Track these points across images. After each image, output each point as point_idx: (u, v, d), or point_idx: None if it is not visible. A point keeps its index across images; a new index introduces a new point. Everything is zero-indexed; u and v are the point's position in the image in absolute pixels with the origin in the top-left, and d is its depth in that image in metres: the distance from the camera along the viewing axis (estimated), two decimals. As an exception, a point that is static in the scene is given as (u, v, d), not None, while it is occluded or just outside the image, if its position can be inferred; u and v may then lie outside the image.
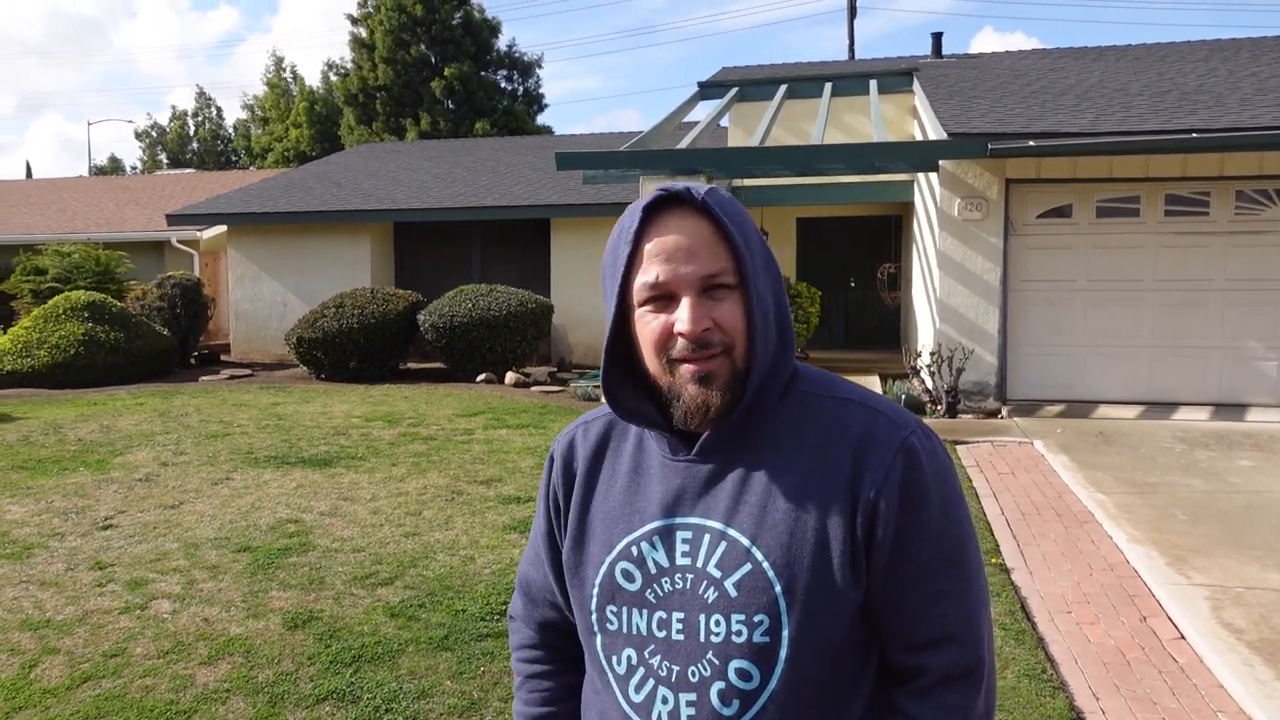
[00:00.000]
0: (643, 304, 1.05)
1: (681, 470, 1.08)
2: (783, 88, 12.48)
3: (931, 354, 8.79)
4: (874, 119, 10.00)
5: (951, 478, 1.08)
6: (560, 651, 1.25)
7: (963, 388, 8.75)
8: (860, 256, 15.03)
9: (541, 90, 31.94)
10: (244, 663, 3.39)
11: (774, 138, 12.16)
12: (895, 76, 12.52)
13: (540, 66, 31.81)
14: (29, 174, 39.03)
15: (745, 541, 1.03)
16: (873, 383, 10.62)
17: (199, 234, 16.52)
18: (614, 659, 1.08)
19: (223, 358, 14.17)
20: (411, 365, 12.26)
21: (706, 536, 1.04)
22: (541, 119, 31.80)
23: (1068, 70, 11.61)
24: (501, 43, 30.64)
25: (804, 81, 12.89)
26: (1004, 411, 8.43)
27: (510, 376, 10.84)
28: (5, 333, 11.75)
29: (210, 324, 14.41)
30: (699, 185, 1.05)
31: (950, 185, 8.70)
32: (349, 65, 30.39)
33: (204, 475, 6.13)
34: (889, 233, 14.91)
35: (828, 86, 12.20)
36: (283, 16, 78.50)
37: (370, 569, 4.31)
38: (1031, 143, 7.93)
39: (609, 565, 1.09)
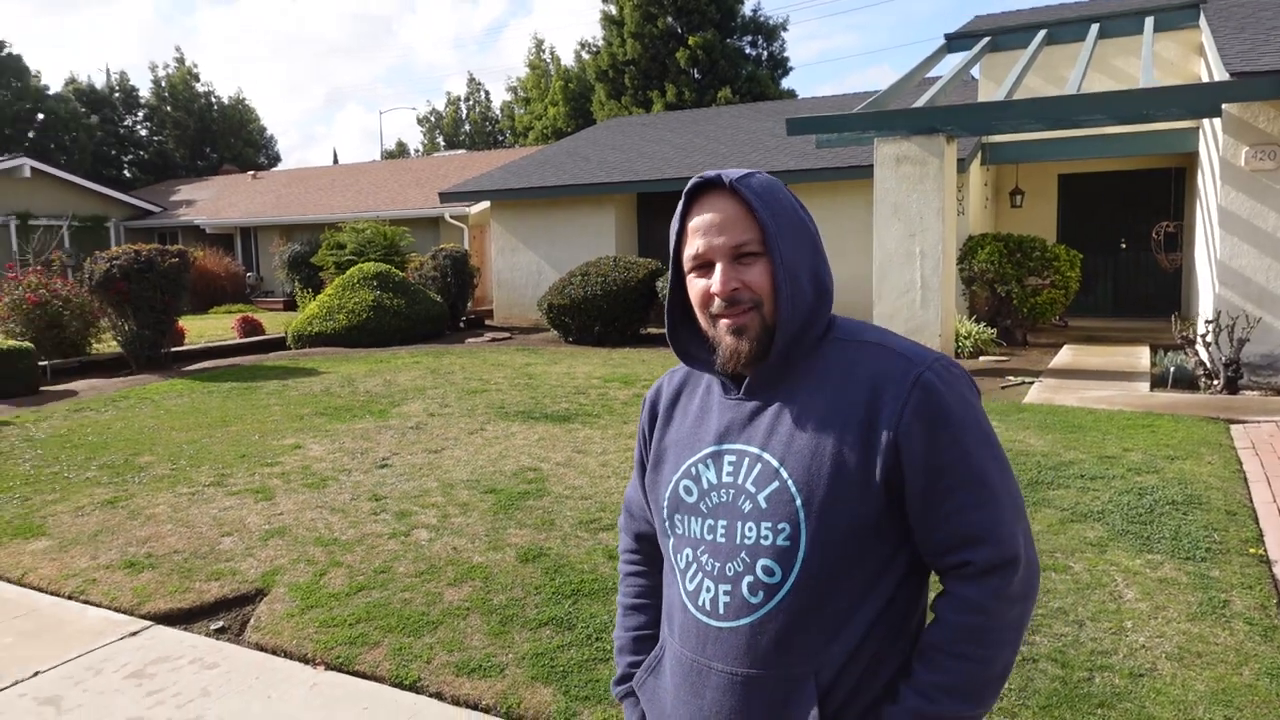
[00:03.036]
0: (690, 271, 1.30)
1: (732, 406, 1.31)
2: (1041, 33, 11.53)
3: (1208, 322, 7.89)
4: (1144, 61, 9.02)
5: (970, 405, 1.23)
6: (652, 557, 1.53)
7: (1246, 360, 7.79)
8: (1132, 215, 13.62)
9: (786, 54, 31.52)
10: (482, 587, 3.88)
11: (1029, 88, 11.31)
12: (1176, 11, 11.14)
13: (785, 30, 31.43)
14: (335, 160, 44.46)
15: (775, 463, 1.24)
16: (1140, 354, 9.69)
17: (468, 209, 18.15)
18: (678, 556, 1.32)
19: (486, 322, 15.57)
20: (652, 330, 12.80)
21: (746, 459, 1.27)
22: (786, 83, 31.43)
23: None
24: (746, 8, 30.53)
25: (1067, 25, 11.82)
26: (1296, 388, 7.41)
27: (743, 342, 11.01)
28: (314, 299, 13.68)
29: (477, 291, 15.84)
30: (734, 171, 1.27)
31: (1235, 131, 7.70)
32: (600, 43, 31.66)
33: (463, 425, 6.89)
34: (1167, 188, 13.37)
35: (1094, 28, 11.11)
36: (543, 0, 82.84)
37: (594, 515, 4.71)
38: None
39: (675, 481, 1.34)
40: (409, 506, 4.95)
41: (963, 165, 11.04)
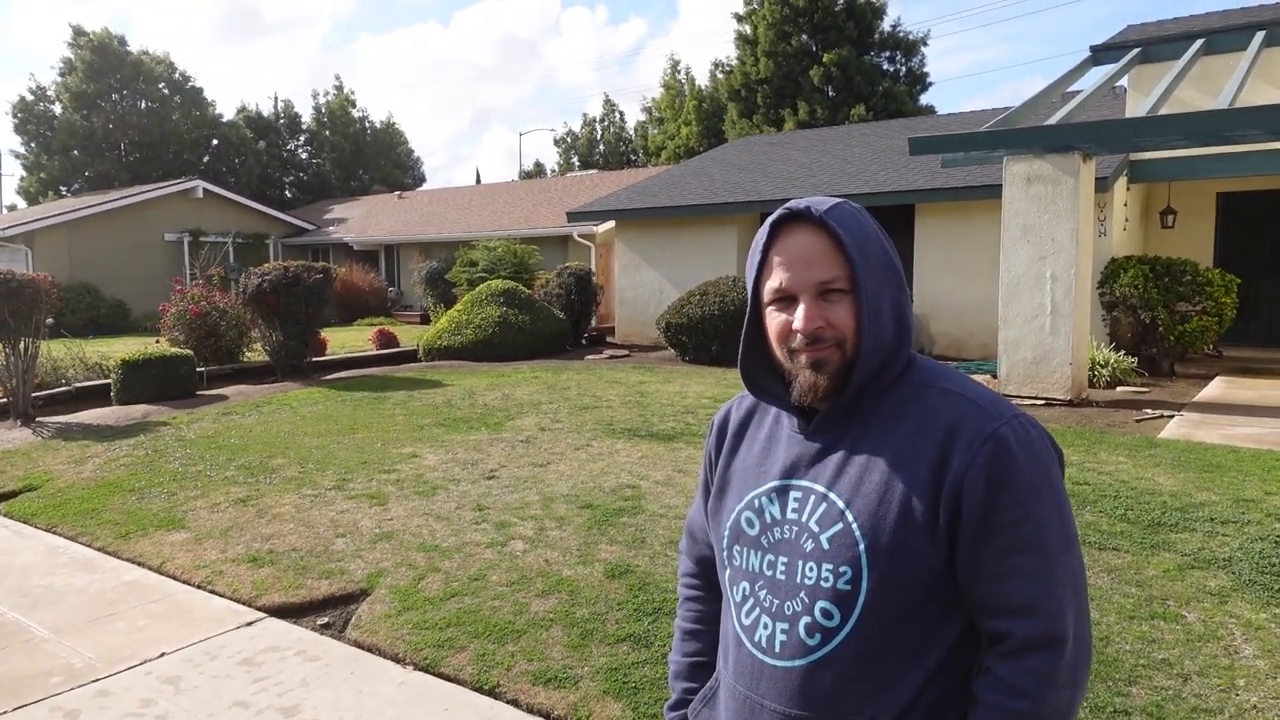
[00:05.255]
0: (770, 304, 1.27)
1: (801, 442, 1.29)
2: (1197, 42, 10.81)
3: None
4: (1312, 71, 8.30)
5: (1046, 466, 1.17)
6: (711, 582, 1.52)
7: None
8: (1302, 237, 12.50)
9: (925, 69, 30.71)
10: (568, 600, 3.97)
11: (1182, 101, 10.62)
12: (1356, 15, 10.19)
13: (925, 44, 30.60)
14: (478, 180, 46.34)
15: (841, 504, 1.21)
16: (1302, 388, 8.88)
17: (594, 228, 18.56)
18: (735, 589, 1.31)
19: (608, 339, 15.85)
20: (769, 351, 12.70)
21: (812, 497, 1.24)
22: (925, 99, 30.62)
23: None
24: (885, 24, 29.96)
25: (1229, 32, 11.03)
26: None
27: (862, 365, 10.76)
28: (445, 314, 14.32)
29: (600, 308, 16.16)
30: (821, 201, 1.24)
31: None
32: (733, 62, 31.78)
33: (570, 441, 7.06)
34: (1344, 207, 12.22)
35: (1258, 35, 10.34)
36: (681, 20, 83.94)
37: (686, 535, 4.73)
38: None
39: (737, 513, 1.33)
40: (509, 518, 5.12)
41: (1105, 184, 10.45)
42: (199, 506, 5.62)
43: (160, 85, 37.22)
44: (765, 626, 1.24)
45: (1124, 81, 12.11)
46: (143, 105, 36.95)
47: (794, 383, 1.25)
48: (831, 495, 1.22)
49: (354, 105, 43.96)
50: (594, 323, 16.05)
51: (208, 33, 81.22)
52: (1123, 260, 10.45)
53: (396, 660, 3.61)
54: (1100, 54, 11.91)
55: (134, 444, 7.45)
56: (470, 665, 3.46)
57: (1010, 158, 8.50)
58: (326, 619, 4.05)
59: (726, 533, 1.33)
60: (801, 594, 1.21)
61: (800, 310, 1.22)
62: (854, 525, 1.18)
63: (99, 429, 8.12)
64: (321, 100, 43.68)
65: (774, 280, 1.24)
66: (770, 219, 1.26)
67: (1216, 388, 9.22)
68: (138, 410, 8.94)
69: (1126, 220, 12.05)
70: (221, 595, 4.34)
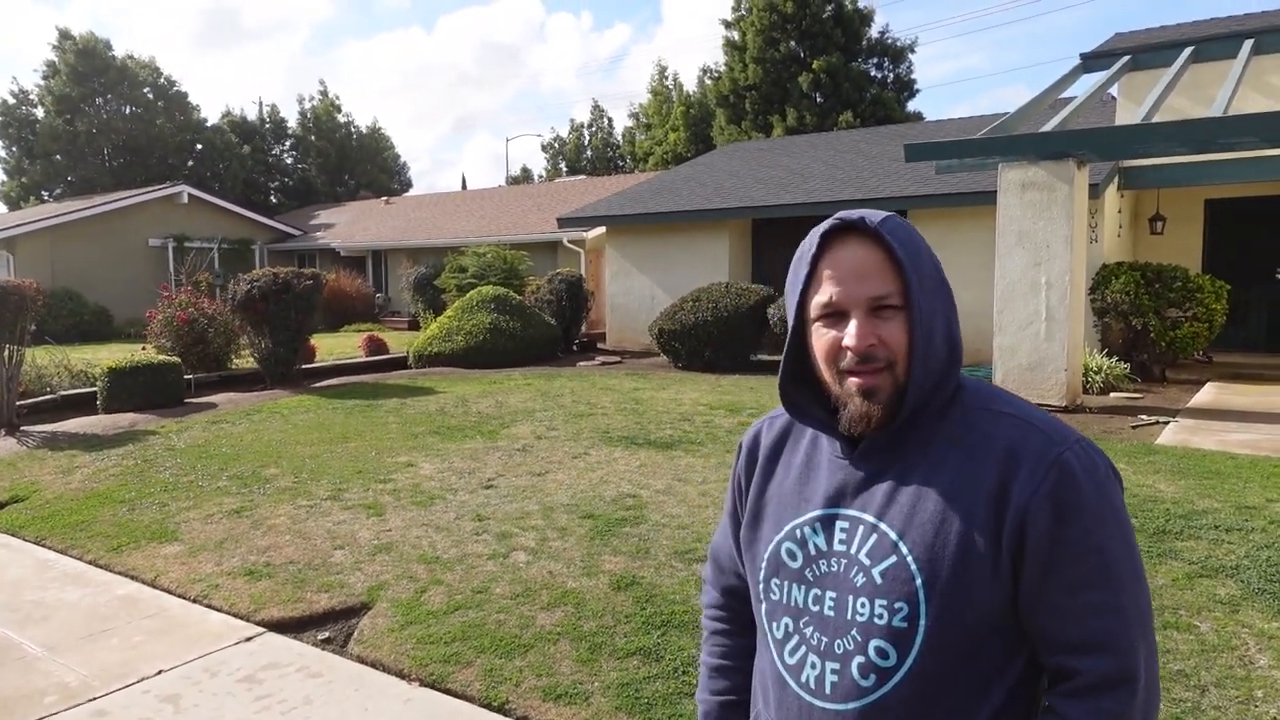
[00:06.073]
0: (817, 319, 1.19)
1: (846, 468, 1.21)
2: (1187, 50, 10.88)
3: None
4: (1303, 79, 8.36)
5: (1111, 494, 1.11)
6: (740, 615, 1.43)
7: None
8: (1290, 243, 12.61)
9: (913, 76, 30.89)
10: (575, 613, 3.91)
11: (1173, 109, 10.67)
12: (1343, 24, 10.29)
13: (913, 51, 30.77)
14: (464, 185, 46.22)
15: (894, 536, 1.14)
16: (1293, 394, 8.93)
17: (585, 234, 18.51)
18: (774, 624, 1.23)
19: (599, 345, 15.79)
20: (762, 357, 12.69)
21: (861, 528, 1.17)
22: (913, 105, 30.76)
23: None
24: (873, 31, 30.11)
25: (1217, 41, 11.11)
26: None
27: (856, 371, 10.76)
28: (435, 320, 14.23)
29: (591, 314, 16.11)
30: (874, 213, 1.17)
31: (1407, 154, 7.04)
32: (721, 68, 31.84)
33: (567, 449, 7.00)
34: (1330, 213, 12.32)
35: (1247, 44, 10.42)
36: (665, 27, 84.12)
37: (690, 545, 4.68)
38: None
39: (776, 543, 1.25)
40: (509, 528, 5.06)
41: (1096, 190, 10.49)
42: (192, 518, 5.52)
43: (145, 89, 36.93)
44: (813, 666, 1.17)
45: (1113, 90, 12.18)
46: (127, 110, 36.64)
47: (843, 409, 1.18)
48: (882, 526, 1.15)
49: (339, 110, 43.76)
50: (585, 329, 15.99)
51: (188, 38, 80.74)
52: (1114, 266, 10.49)
53: (401, 676, 3.54)
54: (1090, 61, 11.98)
55: (123, 453, 7.33)
56: (478, 681, 3.40)
57: (1005, 165, 8.51)
58: (327, 634, 3.97)
59: (764, 564, 1.25)
60: (853, 631, 1.14)
61: (852, 326, 1.14)
62: (909, 558, 1.11)
63: (86, 438, 7.99)
64: (307, 105, 43.47)
65: (823, 294, 1.17)
66: (819, 229, 1.19)
67: (1209, 393, 9.26)
68: (125, 419, 8.81)
69: (1120, 227, 12.12)
70: (218, 609, 4.25)
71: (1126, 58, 11.49)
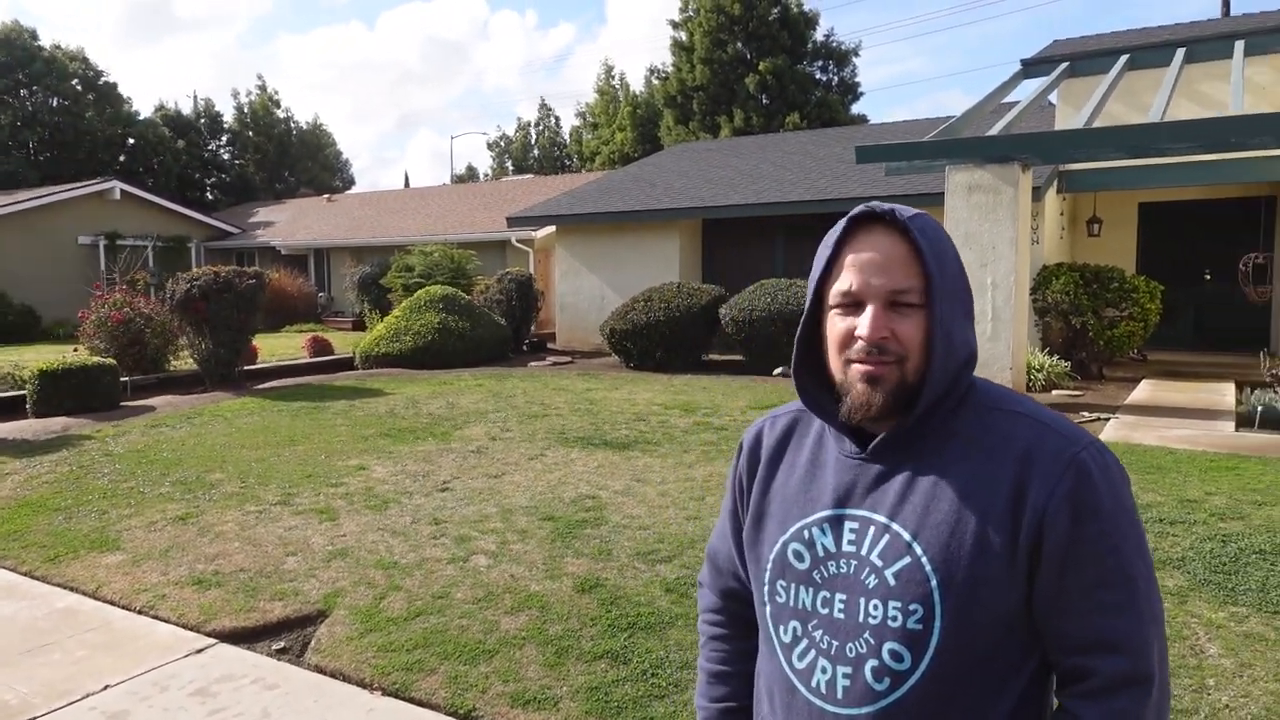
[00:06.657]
0: (834, 307, 1.17)
1: (854, 467, 1.19)
2: (1123, 58, 11.24)
3: (1299, 360, 7.52)
4: (1234, 87, 8.70)
5: (1124, 495, 1.11)
6: (739, 618, 1.40)
7: (1341, 401, 7.39)
8: (1218, 245, 13.12)
9: (857, 79, 31.37)
10: (539, 616, 3.86)
11: (1110, 115, 11.01)
12: (1269, 34, 10.74)
13: (857, 55, 31.24)
14: (406, 183, 45.56)
15: (907, 536, 1.12)
16: (1225, 391, 9.28)
17: (534, 234, 18.39)
18: (780, 628, 1.21)
19: (549, 345, 15.69)
20: (714, 357, 12.75)
21: (871, 528, 1.15)
22: (858, 108, 31.26)
23: None
24: (818, 34, 30.49)
25: (1151, 49, 11.49)
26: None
27: (807, 370, 10.86)
28: (381, 320, 13.98)
29: (540, 314, 16.00)
30: (904, 208, 1.15)
31: (1331, 161, 7.35)
32: (669, 69, 31.92)
33: (523, 451, 6.92)
34: (1256, 217, 12.85)
35: (1179, 53, 10.78)
36: (609, 27, 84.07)
37: (653, 546, 4.66)
38: None
39: (782, 544, 1.22)
40: (468, 531, 4.97)
41: (1038, 193, 10.77)
42: (134, 526, 5.32)
43: (74, 81, 35.61)
44: (824, 670, 1.14)
45: (1052, 96, 12.52)
46: (54, 102, 35.29)
47: (845, 396, 1.16)
48: (895, 526, 1.13)
49: (278, 105, 42.80)
50: (534, 329, 15.88)
51: (115, 28, 78.15)
52: (1054, 268, 10.78)
53: (363, 685, 3.44)
54: (1030, 67, 12.29)
55: (56, 459, 7.04)
56: (443, 688, 3.32)
57: (952, 167, 8.68)
58: (283, 643, 3.85)
59: (769, 566, 1.23)
60: (866, 634, 1.12)
61: (867, 315, 1.13)
62: (923, 559, 1.10)
63: (15, 443, 7.66)
64: (244, 100, 42.42)
65: (842, 282, 1.15)
66: (849, 215, 1.17)
67: (1145, 390, 9.57)
68: (57, 423, 8.47)
69: (1063, 229, 12.44)
70: (166, 621, 4.09)
71: (1065, 64, 11.81)
